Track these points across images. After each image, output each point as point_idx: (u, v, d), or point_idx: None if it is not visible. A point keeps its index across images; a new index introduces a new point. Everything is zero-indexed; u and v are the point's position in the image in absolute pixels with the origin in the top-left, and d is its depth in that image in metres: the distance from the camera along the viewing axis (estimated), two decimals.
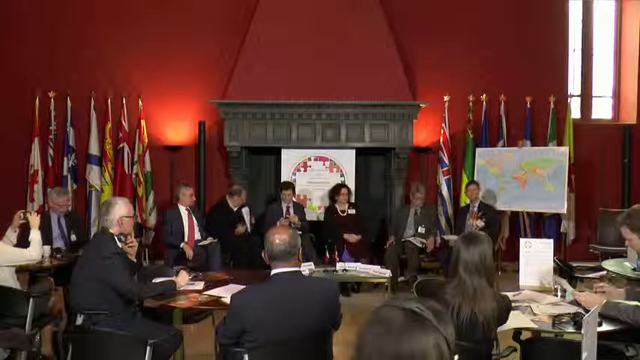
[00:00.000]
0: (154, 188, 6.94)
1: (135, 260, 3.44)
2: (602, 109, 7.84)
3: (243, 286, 2.69)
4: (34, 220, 3.79)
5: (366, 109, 6.64)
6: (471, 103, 7.07)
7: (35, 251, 3.62)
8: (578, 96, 7.75)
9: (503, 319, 2.52)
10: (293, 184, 6.49)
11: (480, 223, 5.99)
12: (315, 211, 6.83)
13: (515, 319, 2.72)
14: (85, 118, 6.89)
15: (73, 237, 5.02)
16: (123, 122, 6.84)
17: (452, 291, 2.48)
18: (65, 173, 6.77)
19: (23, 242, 3.79)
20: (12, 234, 3.87)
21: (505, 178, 6.67)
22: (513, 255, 5.15)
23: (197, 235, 5.80)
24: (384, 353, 1.07)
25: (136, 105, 6.89)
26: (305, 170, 6.85)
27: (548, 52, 7.25)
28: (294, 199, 6.40)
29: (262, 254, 2.52)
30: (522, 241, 3.70)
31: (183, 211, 5.81)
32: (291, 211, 6.28)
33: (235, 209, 6.23)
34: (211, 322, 3.78)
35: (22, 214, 3.91)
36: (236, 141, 6.67)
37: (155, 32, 6.97)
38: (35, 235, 3.70)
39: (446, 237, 6.37)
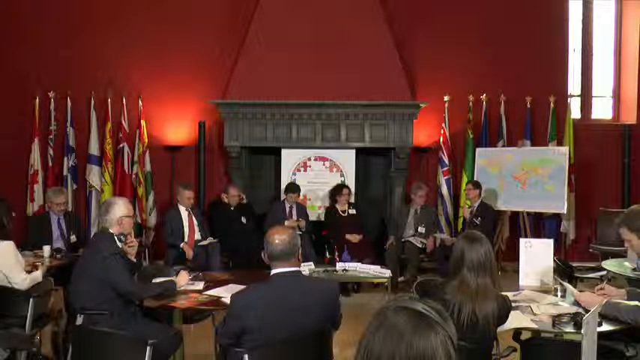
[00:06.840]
0: (153, 188, 6.93)
1: (135, 260, 3.44)
2: (602, 109, 7.83)
3: (243, 286, 2.68)
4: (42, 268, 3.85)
5: (366, 109, 6.64)
6: (470, 103, 7.07)
7: (26, 281, 3.50)
8: (578, 96, 7.74)
9: (503, 319, 2.52)
10: (299, 187, 6.45)
11: (467, 215, 6.16)
12: (316, 211, 6.83)
13: (515, 319, 2.72)
14: (85, 118, 6.89)
15: (73, 237, 5.01)
16: (123, 122, 6.83)
17: (452, 290, 2.47)
18: (65, 173, 6.76)
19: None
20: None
21: (505, 178, 6.66)
22: (513, 255, 5.14)
23: (197, 235, 5.80)
24: (395, 356, 1.08)
25: (135, 105, 6.89)
26: (305, 170, 6.85)
27: (548, 52, 7.24)
28: (297, 200, 6.41)
29: (262, 254, 2.52)
30: (522, 241, 3.70)
31: (183, 211, 5.81)
32: (294, 211, 6.28)
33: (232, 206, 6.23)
34: (211, 322, 3.79)
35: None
36: (236, 141, 6.67)
37: (155, 32, 6.96)
38: (37, 275, 3.66)
39: (437, 235, 6.36)
